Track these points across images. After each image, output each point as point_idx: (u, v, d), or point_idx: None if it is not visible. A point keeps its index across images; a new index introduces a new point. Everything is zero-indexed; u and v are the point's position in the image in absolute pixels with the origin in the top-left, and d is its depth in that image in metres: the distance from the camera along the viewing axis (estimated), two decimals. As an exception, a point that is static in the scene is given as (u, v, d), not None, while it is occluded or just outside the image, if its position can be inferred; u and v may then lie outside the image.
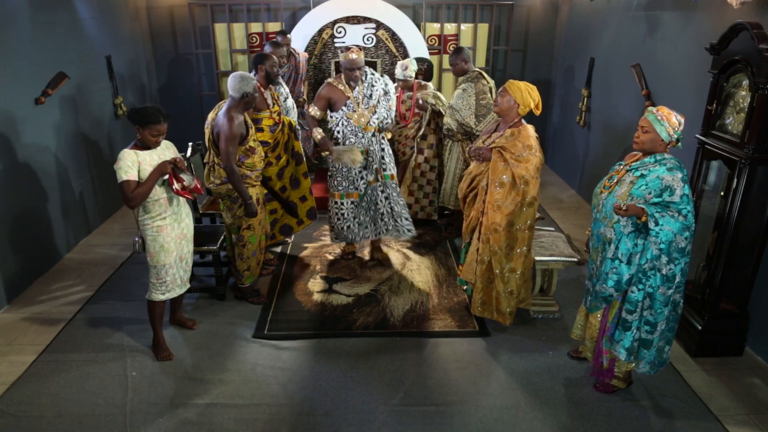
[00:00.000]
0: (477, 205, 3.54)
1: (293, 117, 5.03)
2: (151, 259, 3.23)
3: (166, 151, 3.19)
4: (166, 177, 3.10)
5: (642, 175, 2.74)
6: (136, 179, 3.02)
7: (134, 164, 3.01)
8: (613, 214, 2.79)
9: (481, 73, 4.72)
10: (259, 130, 4.15)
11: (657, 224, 2.63)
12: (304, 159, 4.52)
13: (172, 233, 3.21)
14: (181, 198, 3.29)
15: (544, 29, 7.06)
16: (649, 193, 2.69)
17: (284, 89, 4.93)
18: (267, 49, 4.90)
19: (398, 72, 5.07)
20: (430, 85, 5.18)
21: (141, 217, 3.16)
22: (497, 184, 3.39)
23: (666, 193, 2.67)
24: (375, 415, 2.99)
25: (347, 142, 4.24)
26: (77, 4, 5.07)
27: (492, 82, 4.77)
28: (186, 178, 3.16)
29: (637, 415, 3.00)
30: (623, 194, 2.76)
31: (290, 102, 4.99)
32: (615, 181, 2.85)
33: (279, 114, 4.25)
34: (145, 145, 3.10)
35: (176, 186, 3.12)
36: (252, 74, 4.20)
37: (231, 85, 3.51)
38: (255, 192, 3.82)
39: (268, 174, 4.27)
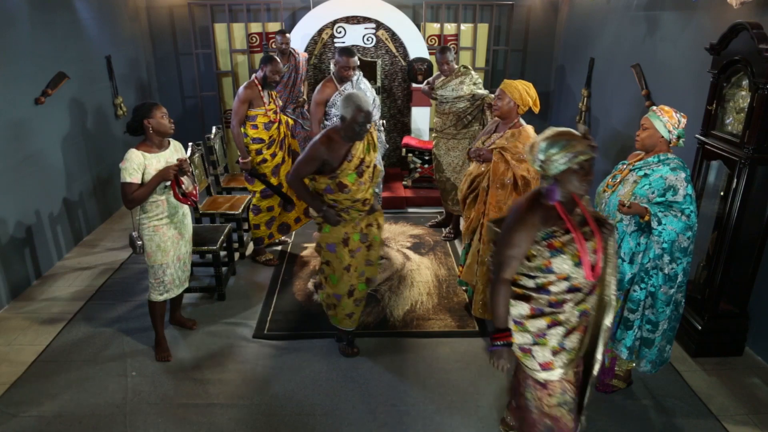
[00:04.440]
0: (478, 206, 3.54)
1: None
2: (148, 259, 3.24)
3: (175, 154, 3.20)
4: (169, 183, 3.10)
5: (645, 175, 2.74)
6: (139, 182, 3.03)
7: (140, 167, 3.02)
8: (616, 213, 2.79)
9: (466, 67, 4.87)
10: (254, 127, 4.28)
11: (660, 224, 2.63)
12: None
13: (168, 233, 3.22)
14: None
15: (544, 29, 7.05)
16: (653, 193, 2.69)
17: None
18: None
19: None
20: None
21: (138, 216, 3.17)
22: (498, 185, 3.39)
23: (669, 192, 2.67)
24: (375, 415, 2.99)
25: None
26: (77, 4, 5.07)
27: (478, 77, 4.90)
28: (186, 181, 3.17)
29: (637, 415, 3.00)
30: (626, 194, 2.76)
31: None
32: (618, 180, 2.85)
33: (276, 112, 4.32)
34: (162, 132, 3.08)
35: (179, 193, 3.12)
36: (259, 73, 4.25)
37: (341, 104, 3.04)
38: (343, 231, 3.20)
39: (262, 171, 4.38)
